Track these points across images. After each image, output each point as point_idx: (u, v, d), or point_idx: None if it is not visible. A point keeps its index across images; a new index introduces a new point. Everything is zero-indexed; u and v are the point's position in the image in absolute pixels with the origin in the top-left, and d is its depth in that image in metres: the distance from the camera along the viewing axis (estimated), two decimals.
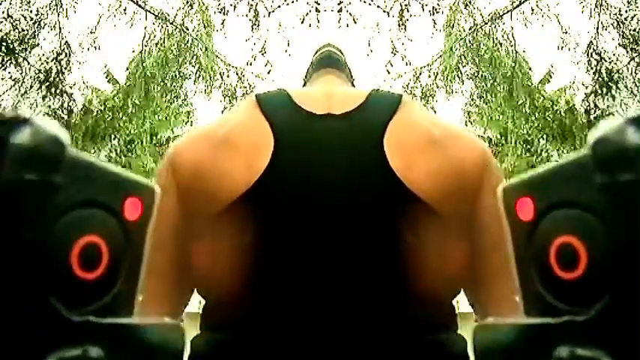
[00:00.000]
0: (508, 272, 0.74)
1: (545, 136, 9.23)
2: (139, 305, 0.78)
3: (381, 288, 0.71)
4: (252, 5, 7.37)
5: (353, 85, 1.00)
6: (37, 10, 7.24)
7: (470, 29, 7.85)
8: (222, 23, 7.62)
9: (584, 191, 0.31)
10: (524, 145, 9.99)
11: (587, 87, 7.77)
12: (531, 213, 0.35)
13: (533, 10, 7.54)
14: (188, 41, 7.88)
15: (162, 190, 0.74)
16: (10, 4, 7.09)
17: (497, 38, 7.91)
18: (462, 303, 0.85)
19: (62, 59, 7.34)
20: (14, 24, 7.15)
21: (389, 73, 7.64)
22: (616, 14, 7.32)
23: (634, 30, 7.28)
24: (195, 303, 0.86)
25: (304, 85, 0.99)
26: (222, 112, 8.03)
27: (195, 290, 0.80)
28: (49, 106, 8.14)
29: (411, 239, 0.71)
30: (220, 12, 7.51)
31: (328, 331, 0.70)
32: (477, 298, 0.80)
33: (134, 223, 0.36)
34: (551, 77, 10.78)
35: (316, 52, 1.02)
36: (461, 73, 8.16)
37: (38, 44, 7.37)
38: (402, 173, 0.70)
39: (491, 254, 0.75)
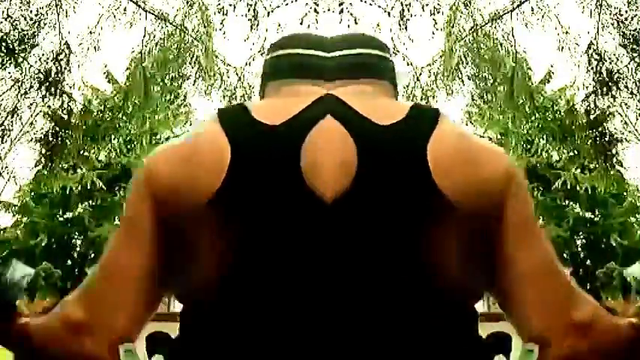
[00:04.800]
0: (544, 273, 0.78)
1: (545, 136, 9.23)
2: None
3: (402, 291, 0.74)
4: (251, 5, 7.37)
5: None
6: (37, 10, 7.23)
7: (470, 29, 7.85)
8: (222, 23, 7.63)
9: None
10: (525, 145, 9.99)
11: (587, 87, 7.76)
12: None
13: (533, 10, 7.54)
14: (188, 41, 7.88)
15: (135, 201, 0.80)
16: (10, 4, 7.09)
17: (497, 38, 7.90)
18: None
19: (62, 59, 7.34)
20: (14, 24, 7.15)
21: None
22: (616, 14, 7.31)
23: (634, 30, 7.27)
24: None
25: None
26: None
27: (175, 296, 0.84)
28: (49, 106, 8.14)
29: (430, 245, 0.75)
30: (219, 12, 7.51)
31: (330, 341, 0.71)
32: (512, 300, 0.82)
33: None
34: (551, 77, 10.78)
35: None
36: (461, 73, 8.16)
37: (38, 44, 7.37)
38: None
39: (522, 258, 0.79)
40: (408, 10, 7.42)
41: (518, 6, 7.53)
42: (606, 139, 9.31)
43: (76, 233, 11.60)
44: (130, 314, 0.79)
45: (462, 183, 0.75)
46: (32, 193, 11.78)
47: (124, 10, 7.49)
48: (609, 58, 7.46)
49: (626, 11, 7.29)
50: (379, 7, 7.43)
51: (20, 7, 7.16)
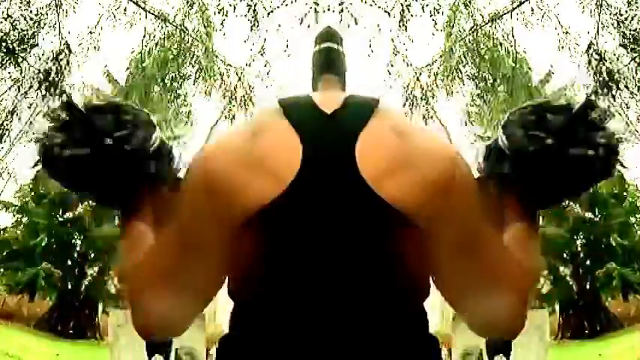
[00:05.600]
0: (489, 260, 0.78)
1: None
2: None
3: (357, 288, 0.76)
4: (250, 5, 7.37)
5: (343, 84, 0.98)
6: (37, 10, 7.23)
7: (470, 29, 7.85)
8: (222, 23, 7.63)
9: None
10: None
11: (587, 87, 7.76)
12: None
13: (533, 10, 7.54)
14: (188, 41, 7.87)
15: (194, 190, 0.77)
16: (10, 4, 7.09)
17: (497, 38, 7.90)
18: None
19: (62, 59, 7.34)
20: (14, 24, 7.15)
21: (390, 73, 7.64)
22: (616, 14, 7.31)
23: (634, 30, 7.27)
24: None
25: (314, 83, 0.97)
26: (222, 112, 8.03)
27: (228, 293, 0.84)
28: (49, 106, 8.14)
29: (382, 248, 0.76)
30: (219, 12, 7.51)
31: (328, 330, 0.75)
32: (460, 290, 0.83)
33: None
34: (551, 77, 10.77)
35: (317, 42, 0.99)
36: (461, 73, 8.16)
37: (38, 44, 7.37)
38: (373, 184, 0.74)
39: (468, 251, 0.79)
40: (408, 10, 7.42)
41: (518, 6, 7.53)
42: None
43: (76, 233, 11.59)
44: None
45: (400, 186, 0.74)
46: (32, 193, 11.77)
47: (124, 10, 7.50)
48: (609, 58, 7.45)
49: (626, 11, 7.29)
50: (379, 7, 7.43)
51: (20, 7, 7.17)
